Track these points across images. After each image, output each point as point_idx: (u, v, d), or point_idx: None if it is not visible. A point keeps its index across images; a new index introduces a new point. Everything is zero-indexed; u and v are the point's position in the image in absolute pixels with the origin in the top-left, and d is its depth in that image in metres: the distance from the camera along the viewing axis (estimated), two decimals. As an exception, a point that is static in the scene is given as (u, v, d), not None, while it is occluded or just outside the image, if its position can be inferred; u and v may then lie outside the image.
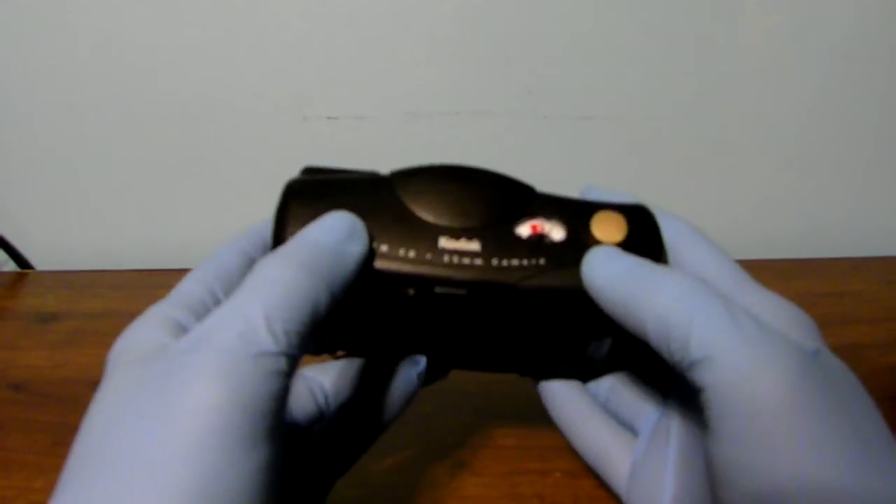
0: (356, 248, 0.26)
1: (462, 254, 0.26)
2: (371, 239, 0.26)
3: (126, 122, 0.57)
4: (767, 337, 0.23)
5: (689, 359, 0.23)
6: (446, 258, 0.26)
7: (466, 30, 0.53)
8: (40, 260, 0.62)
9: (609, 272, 0.26)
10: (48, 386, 0.45)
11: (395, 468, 0.35)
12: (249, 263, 0.28)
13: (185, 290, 0.27)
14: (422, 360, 0.31)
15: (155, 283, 0.56)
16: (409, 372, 0.31)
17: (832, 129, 0.58)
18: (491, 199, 0.28)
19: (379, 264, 0.26)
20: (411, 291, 0.26)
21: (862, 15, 0.54)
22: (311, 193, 0.27)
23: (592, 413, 0.32)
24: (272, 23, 0.53)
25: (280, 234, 0.26)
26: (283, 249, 0.25)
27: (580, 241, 0.27)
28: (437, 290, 0.26)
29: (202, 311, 0.25)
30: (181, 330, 0.25)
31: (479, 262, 0.26)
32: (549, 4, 0.52)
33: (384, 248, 0.26)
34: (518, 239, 0.27)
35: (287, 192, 0.28)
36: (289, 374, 0.23)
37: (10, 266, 0.62)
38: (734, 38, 0.54)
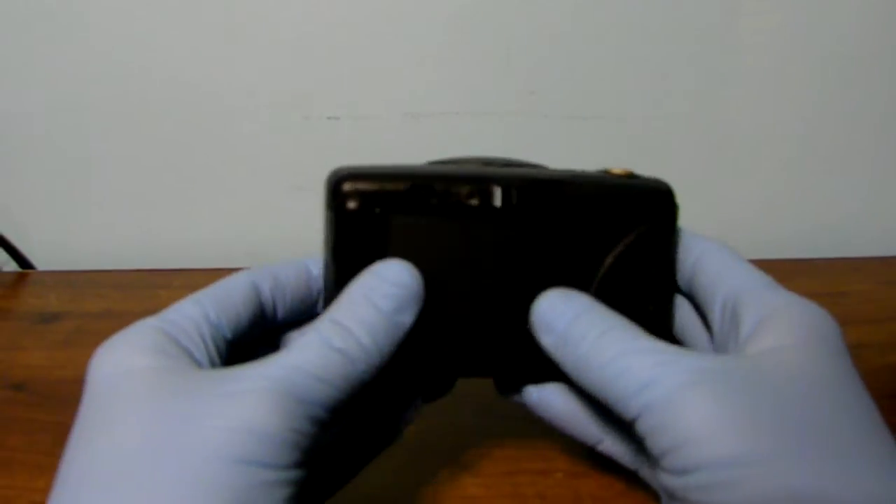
0: (408, 318, 0.26)
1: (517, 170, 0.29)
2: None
3: (127, 122, 0.57)
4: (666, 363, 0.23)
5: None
6: (503, 170, 0.29)
7: (467, 30, 0.53)
8: (42, 260, 0.62)
9: None
10: (50, 386, 0.45)
11: (395, 469, 0.35)
12: (255, 295, 0.28)
13: (179, 308, 0.26)
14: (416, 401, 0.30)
15: (156, 282, 0.57)
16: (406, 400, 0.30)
17: (832, 129, 0.58)
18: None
19: (439, 185, 0.27)
20: (475, 202, 0.27)
21: (862, 15, 0.54)
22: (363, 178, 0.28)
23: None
24: (273, 22, 0.53)
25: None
26: (342, 310, 0.25)
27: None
28: (495, 188, 0.27)
29: (194, 330, 0.25)
30: (176, 344, 0.24)
31: (532, 171, 0.29)
32: (550, 4, 0.52)
33: (445, 168, 0.29)
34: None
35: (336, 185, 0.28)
36: (328, 425, 0.24)
37: (12, 266, 0.62)
38: (734, 37, 0.54)
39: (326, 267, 0.28)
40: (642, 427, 0.23)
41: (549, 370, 0.31)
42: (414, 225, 0.27)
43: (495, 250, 0.28)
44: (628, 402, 0.23)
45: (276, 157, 0.58)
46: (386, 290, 0.26)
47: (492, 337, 0.30)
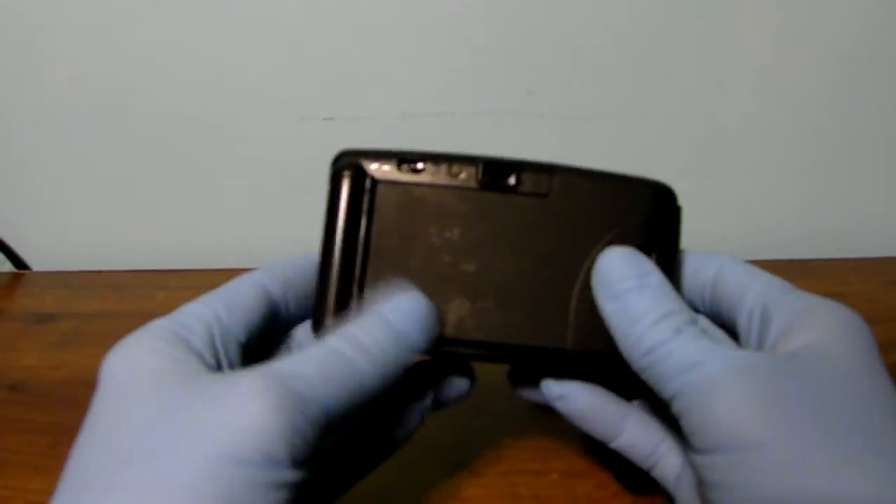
0: (421, 341, 0.27)
1: None
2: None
3: (123, 122, 0.57)
4: (711, 355, 0.24)
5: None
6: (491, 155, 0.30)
7: (464, 30, 0.53)
8: (37, 260, 0.62)
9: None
10: (45, 386, 0.45)
11: (393, 468, 0.35)
12: (265, 296, 0.28)
13: (190, 310, 0.27)
14: (429, 395, 0.31)
15: (152, 283, 0.57)
16: (417, 406, 0.31)
17: (832, 129, 0.58)
18: None
19: (425, 160, 0.29)
20: (460, 178, 0.29)
21: (862, 14, 0.54)
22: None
23: (628, 414, 0.31)
24: (269, 23, 0.53)
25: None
26: (352, 323, 0.26)
27: None
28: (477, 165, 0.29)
29: (205, 333, 0.26)
30: (187, 346, 0.25)
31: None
32: (548, 4, 0.52)
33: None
34: None
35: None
36: (329, 430, 0.24)
37: (7, 266, 0.62)
38: (733, 37, 0.54)
39: (323, 230, 0.29)
40: (678, 405, 0.24)
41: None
42: (398, 194, 0.29)
43: (477, 226, 0.29)
44: (669, 381, 0.25)
45: (271, 158, 0.57)
46: (396, 307, 0.26)
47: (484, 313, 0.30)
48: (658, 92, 0.56)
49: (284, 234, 0.50)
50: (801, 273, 0.57)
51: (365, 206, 0.29)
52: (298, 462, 0.22)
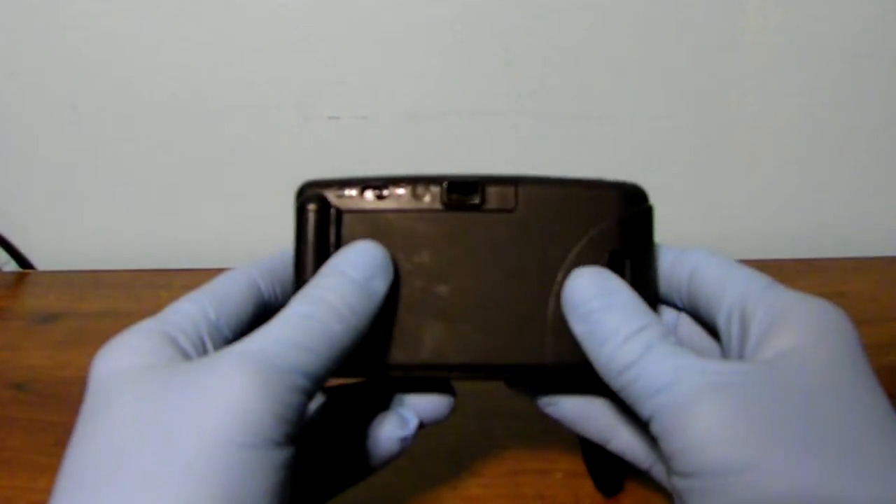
0: (380, 285, 0.27)
1: None
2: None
3: (127, 122, 0.57)
4: (682, 370, 0.23)
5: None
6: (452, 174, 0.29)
7: (469, 30, 0.53)
8: (41, 259, 0.63)
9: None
10: (50, 386, 0.45)
11: (396, 468, 0.35)
12: (256, 291, 0.29)
13: (179, 308, 0.27)
14: (411, 422, 0.30)
15: (157, 282, 0.57)
16: (393, 432, 0.30)
17: (832, 129, 0.58)
18: None
19: (386, 186, 0.29)
20: (424, 201, 0.29)
21: (863, 14, 0.54)
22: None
23: (620, 423, 0.31)
24: (274, 22, 0.53)
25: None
26: (312, 283, 0.26)
27: None
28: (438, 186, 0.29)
29: (193, 331, 0.26)
30: (174, 345, 0.25)
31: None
32: (551, 5, 0.53)
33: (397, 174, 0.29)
34: None
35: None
36: (312, 394, 0.24)
37: (12, 266, 0.62)
38: (734, 37, 0.54)
39: (294, 264, 0.29)
40: (655, 428, 0.24)
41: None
42: (364, 223, 0.29)
43: (447, 248, 0.29)
44: (644, 402, 0.24)
45: (276, 157, 0.58)
46: (353, 260, 0.27)
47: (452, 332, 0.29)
48: (660, 92, 0.56)
49: (288, 233, 0.50)
50: (802, 272, 0.57)
51: (332, 238, 0.29)
52: (289, 435, 0.22)
